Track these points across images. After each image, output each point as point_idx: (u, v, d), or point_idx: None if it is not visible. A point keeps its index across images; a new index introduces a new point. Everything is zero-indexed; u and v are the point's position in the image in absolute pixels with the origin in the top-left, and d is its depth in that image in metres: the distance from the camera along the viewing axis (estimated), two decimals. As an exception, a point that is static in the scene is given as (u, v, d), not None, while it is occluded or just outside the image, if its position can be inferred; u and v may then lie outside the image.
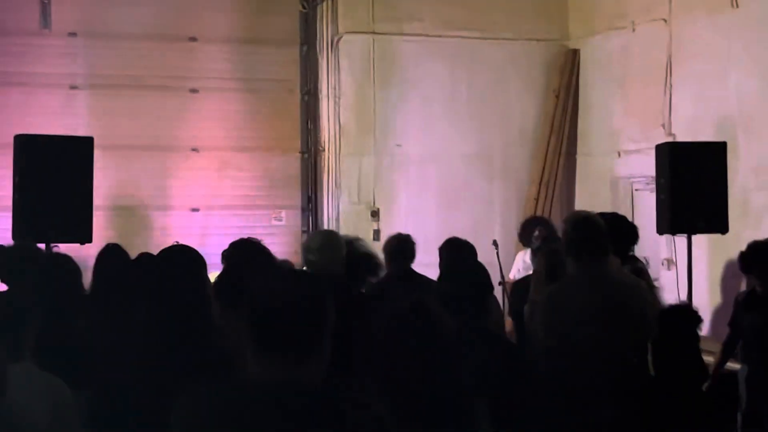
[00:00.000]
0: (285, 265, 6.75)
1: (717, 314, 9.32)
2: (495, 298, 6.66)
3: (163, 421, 2.91)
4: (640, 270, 7.08)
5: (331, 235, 6.47)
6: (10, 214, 8.08)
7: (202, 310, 3.96)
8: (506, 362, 4.68)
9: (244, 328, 2.83)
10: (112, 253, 5.69)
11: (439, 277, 5.34)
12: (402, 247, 7.40)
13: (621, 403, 5.03)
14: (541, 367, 5.32)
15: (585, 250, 5.49)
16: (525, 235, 9.65)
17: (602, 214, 7.96)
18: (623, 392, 5.09)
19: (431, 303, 3.79)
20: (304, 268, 5.79)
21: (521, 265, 10.27)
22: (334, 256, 5.73)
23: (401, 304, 3.77)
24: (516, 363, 4.86)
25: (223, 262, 5.74)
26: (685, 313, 5.09)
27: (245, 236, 5.99)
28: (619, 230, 7.40)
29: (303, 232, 12.42)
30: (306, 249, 5.87)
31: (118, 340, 4.15)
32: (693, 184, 8.76)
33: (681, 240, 9.47)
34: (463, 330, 4.47)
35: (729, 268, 9.27)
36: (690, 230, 8.88)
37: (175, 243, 4.69)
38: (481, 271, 5.01)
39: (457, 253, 6.97)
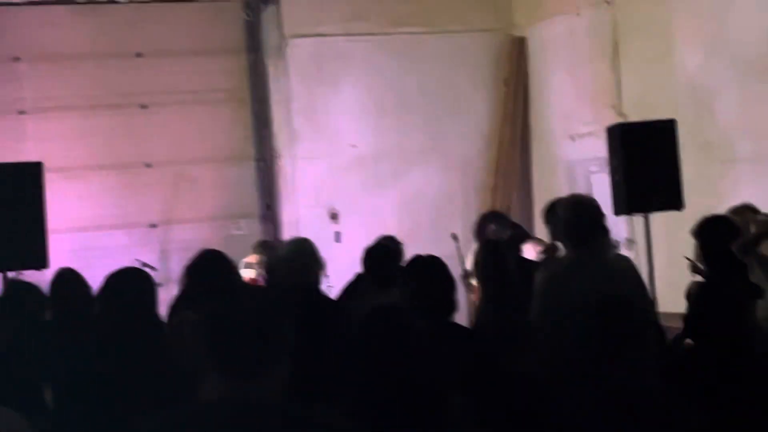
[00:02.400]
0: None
1: (677, 289, 9.35)
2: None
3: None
4: None
5: (303, 243, 6.39)
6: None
7: (154, 332, 3.94)
8: (480, 358, 4.67)
9: (201, 345, 2.81)
10: (64, 278, 5.64)
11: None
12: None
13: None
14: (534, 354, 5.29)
15: (576, 234, 5.42)
16: (480, 232, 9.58)
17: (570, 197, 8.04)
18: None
19: (399, 305, 3.81)
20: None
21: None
22: (305, 264, 5.79)
23: (370, 307, 3.79)
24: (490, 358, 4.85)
25: (184, 277, 5.73)
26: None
27: (207, 248, 5.98)
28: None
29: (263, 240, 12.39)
30: (277, 258, 5.87)
31: (74, 367, 4.11)
32: (645, 163, 8.77)
33: (639, 220, 9.51)
34: (434, 328, 4.49)
35: (687, 243, 9.31)
36: (646, 209, 8.91)
37: (129, 265, 4.63)
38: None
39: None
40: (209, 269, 5.54)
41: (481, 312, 6.63)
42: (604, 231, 5.50)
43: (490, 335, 5.80)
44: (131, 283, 4.16)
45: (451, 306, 4.89)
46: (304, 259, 5.82)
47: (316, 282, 5.75)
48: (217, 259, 5.71)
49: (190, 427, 2.76)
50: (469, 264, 10.08)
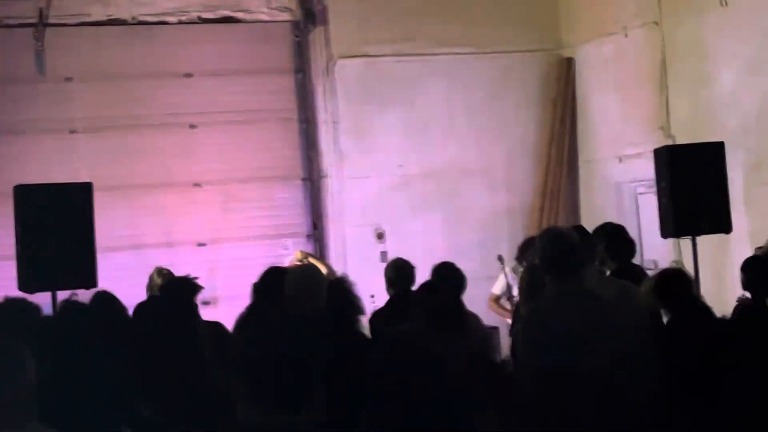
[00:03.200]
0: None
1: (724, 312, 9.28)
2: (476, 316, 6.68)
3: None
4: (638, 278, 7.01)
5: (311, 271, 6.58)
6: (11, 263, 8.14)
7: (193, 355, 3.99)
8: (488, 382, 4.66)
9: (235, 375, 2.83)
10: (102, 301, 5.69)
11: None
12: (400, 273, 7.45)
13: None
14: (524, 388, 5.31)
15: (557, 267, 5.47)
16: (522, 257, 9.49)
17: (605, 225, 8.03)
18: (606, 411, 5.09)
19: (416, 332, 3.82)
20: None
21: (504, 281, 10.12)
22: (312, 293, 5.80)
23: (388, 336, 3.80)
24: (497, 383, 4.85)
25: (252, 294, 5.80)
26: None
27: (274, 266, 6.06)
28: (618, 241, 7.45)
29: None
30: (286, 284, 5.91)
31: (117, 390, 4.16)
32: (693, 185, 8.74)
33: (687, 243, 9.45)
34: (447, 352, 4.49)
35: (734, 267, 9.25)
36: (693, 232, 8.86)
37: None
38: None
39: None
40: (276, 286, 5.59)
41: (514, 335, 6.65)
42: (577, 265, 5.52)
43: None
44: (170, 306, 4.20)
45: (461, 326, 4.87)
46: (310, 288, 5.88)
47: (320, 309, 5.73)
48: (284, 276, 5.77)
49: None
50: (497, 287, 10.08)
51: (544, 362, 5.26)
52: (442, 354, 3.73)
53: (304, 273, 6.42)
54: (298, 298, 5.70)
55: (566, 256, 5.48)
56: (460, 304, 5.51)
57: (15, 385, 3.86)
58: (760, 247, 8.00)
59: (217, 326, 6.51)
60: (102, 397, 4.37)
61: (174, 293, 6.42)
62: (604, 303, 5.52)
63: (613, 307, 5.50)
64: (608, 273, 7.07)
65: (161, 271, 8.20)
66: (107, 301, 5.65)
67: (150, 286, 8.15)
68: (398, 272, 7.48)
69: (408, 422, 3.50)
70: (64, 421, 4.05)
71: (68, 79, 11.91)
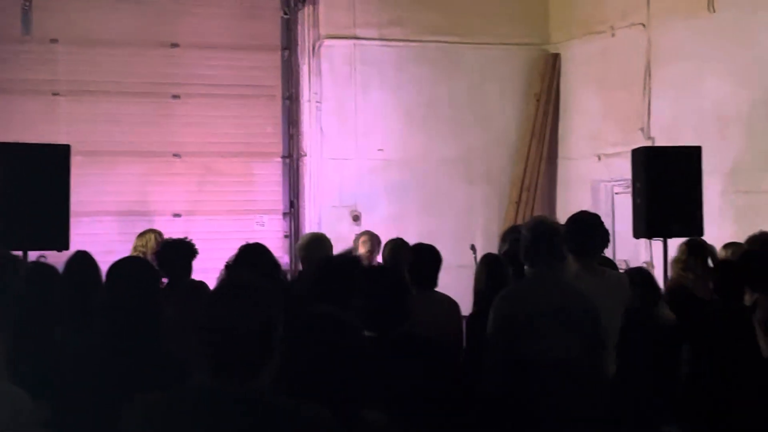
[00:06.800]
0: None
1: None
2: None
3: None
4: None
5: (319, 235, 7.08)
6: (-13, 221, 8.11)
7: (153, 320, 4.02)
8: (434, 368, 4.69)
9: (195, 342, 2.86)
10: (80, 261, 5.69)
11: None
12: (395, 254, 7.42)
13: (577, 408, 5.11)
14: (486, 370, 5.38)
15: (538, 254, 5.52)
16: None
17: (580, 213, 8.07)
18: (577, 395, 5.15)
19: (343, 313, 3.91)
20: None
21: None
22: (320, 253, 6.15)
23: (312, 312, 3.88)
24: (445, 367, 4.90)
25: (224, 270, 5.79)
26: None
27: (250, 243, 6.04)
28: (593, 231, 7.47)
29: (285, 236, 12.48)
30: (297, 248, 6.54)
31: (80, 350, 4.18)
32: (668, 188, 8.79)
33: (658, 244, 9.52)
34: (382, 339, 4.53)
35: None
36: (665, 234, 8.91)
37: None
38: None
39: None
40: (250, 264, 5.54)
41: (469, 324, 6.67)
42: (559, 254, 5.57)
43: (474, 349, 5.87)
44: (134, 273, 4.22)
45: (402, 315, 4.84)
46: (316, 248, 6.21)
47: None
48: (260, 254, 5.73)
49: (174, 411, 2.82)
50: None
51: (512, 347, 5.29)
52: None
53: (311, 235, 6.93)
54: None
55: (545, 246, 5.50)
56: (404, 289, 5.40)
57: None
58: (726, 246, 8.03)
59: (201, 286, 6.53)
60: (66, 359, 4.39)
61: (168, 254, 6.47)
62: (574, 290, 5.56)
63: (583, 295, 5.52)
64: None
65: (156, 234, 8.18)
66: (85, 261, 5.65)
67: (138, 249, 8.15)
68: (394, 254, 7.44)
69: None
70: (33, 385, 4.08)
71: (54, 41, 11.86)
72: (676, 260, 7.54)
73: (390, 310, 4.72)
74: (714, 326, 6.43)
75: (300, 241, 7.17)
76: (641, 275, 6.85)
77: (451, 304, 6.64)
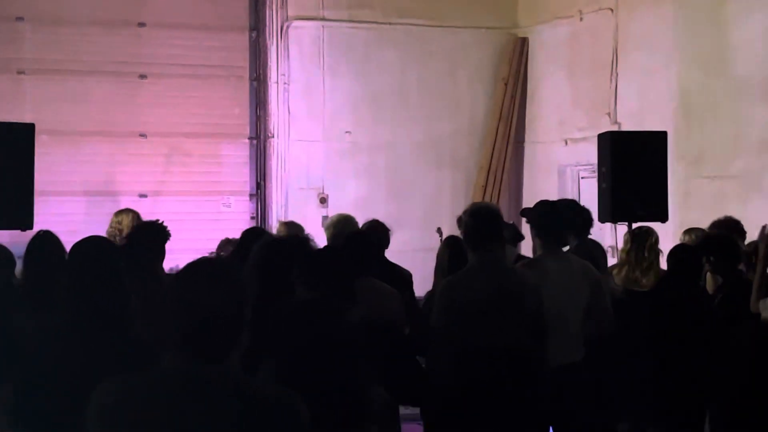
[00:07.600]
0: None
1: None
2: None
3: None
4: (592, 257, 7.04)
5: (345, 215, 7.34)
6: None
7: (120, 302, 4.00)
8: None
9: (167, 323, 2.85)
10: (42, 241, 5.65)
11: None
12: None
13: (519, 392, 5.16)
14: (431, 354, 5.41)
15: (479, 239, 5.54)
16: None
17: (560, 201, 8.11)
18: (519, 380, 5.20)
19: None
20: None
21: None
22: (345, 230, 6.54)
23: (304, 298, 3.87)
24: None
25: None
26: None
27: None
28: (573, 215, 7.51)
29: (251, 218, 12.45)
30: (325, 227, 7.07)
31: (44, 332, 4.15)
32: (634, 172, 8.81)
33: (623, 228, 9.57)
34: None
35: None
36: (630, 218, 8.93)
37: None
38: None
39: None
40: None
41: (424, 303, 6.72)
42: (499, 239, 5.60)
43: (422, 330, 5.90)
44: (96, 253, 4.19)
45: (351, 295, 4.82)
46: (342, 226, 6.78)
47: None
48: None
49: (145, 395, 2.81)
50: None
51: (455, 335, 5.32)
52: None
53: (338, 215, 7.39)
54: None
55: (486, 231, 5.53)
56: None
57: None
58: (687, 231, 8.10)
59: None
60: (29, 342, 4.36)
61: (140, 237, 6.44)
62: (516, 275, 5.60)
63: (525, 285, 5.55)
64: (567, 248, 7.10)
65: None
66: (46, 241, 5.61)
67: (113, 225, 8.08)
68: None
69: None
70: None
71: (19, 19, 11.76)
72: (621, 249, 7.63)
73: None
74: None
75: (329, 220, 7.67)
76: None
77: None
